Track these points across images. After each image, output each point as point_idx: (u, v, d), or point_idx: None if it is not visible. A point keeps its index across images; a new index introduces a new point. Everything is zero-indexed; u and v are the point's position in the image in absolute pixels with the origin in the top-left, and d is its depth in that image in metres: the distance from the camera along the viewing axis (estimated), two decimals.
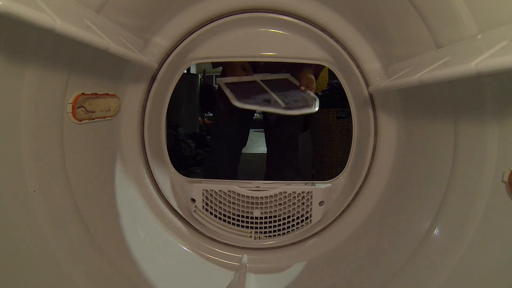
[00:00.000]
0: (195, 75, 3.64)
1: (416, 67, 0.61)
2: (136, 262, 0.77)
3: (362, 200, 0.92)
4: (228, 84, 1.19)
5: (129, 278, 0.72)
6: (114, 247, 0.73)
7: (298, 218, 0.94)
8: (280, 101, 1.11)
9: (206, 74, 3.72)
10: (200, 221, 0.94)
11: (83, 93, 0.65)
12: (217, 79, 1.21)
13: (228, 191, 0.93)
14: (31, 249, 0.53)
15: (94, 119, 0.71)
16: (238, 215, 0.95)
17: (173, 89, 0.98)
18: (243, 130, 1.49)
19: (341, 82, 0.95)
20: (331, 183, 0.99)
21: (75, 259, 0.60)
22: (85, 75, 0.66)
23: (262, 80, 1.24)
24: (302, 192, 0.93)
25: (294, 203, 0.94)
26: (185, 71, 1.10)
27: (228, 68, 1.22)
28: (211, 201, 0.94)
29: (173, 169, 1.01)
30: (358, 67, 0.85)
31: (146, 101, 0.89)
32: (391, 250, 0.76)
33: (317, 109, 1.08)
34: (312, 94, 1.15)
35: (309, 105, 1.10)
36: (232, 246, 0.97)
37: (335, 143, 1.89)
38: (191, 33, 0.85)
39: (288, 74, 1.27)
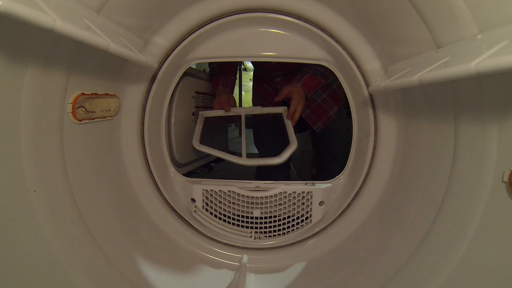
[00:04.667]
0: None
1: (416, 67, 0.61)
2: (136, 262, 0.77)
3: (362, 200, 0.92)
4: (208, 119, 1.20)
5: (129, 278, 0.72)
6: (114, 247, 0.73)
7: (298, 218, 0.94)
8: (244, 148, 1.05)
9: None
10: (200, 221, 0.94)
11: (83, 93, 0.65)
12: (200, 112, 1.21)
13: (228, 191, 0.93)
14: (31, 249, 0.53)
15: (94, 119, 0.71)
16: (238, 215, 0.95)
17: (173, 89, 0.98)
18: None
19: (341, 82, 0.95)
20: (331, 183, 0.99)
21: (75, 259, 0.60)
22: (85, 75, 0.66)
23: (248, 115, 1.20)
24: (302, 192, 0.93)
25: (294, 203, 0.94)
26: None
27: (217, 97, 1.23)
28: (211, 201, 0.94)
29: (173, 169, 1.01)
30: (358, 67, 0.85)
31: (146, 101, 0.89)
32: (391, 250, 0.76)
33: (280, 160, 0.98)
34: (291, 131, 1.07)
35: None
36: (232, 246, 0.97)
37: None
38: (191, 33, 0.85)
39: (284, 108, 1.19)
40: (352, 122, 0.98)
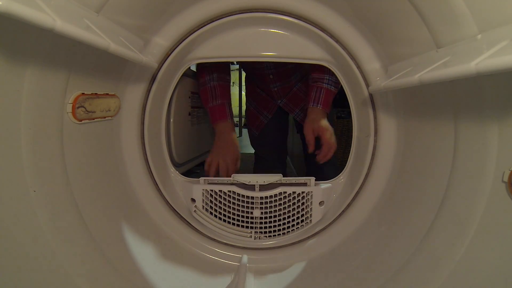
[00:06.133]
0: None
1: (416, 67, 0.61)
2: (136, 262, 0.77)
3: (362, 200, 0.92)
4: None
5: (129, 278, 0.72)
6: (114, 247, 0.73)
7: (298, 218, 0.94)
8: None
9: None
10: (200, 221, 0.94)
11: (83, 93, 0.65)
12: (201, 178, 0.94)
13: (228, 191, 0.93)
14: (31, 249, 0.53)
15: (94, 119, 0.71)
16: (238, 215, 0.95)
17: (173, 89, 0.98)
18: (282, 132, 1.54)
19: (341, 82, 0.95)
20: (331, 183, 0.99)
21: (75, 259, 0.60)
22: (85, 75, 0.66)
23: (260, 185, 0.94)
24: (302, 192, 0.93)
25: (294, 203, 0.94)
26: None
27: (221, 152, 1.03)
28: (211, 201, 0.94)
29: (173, 169, 1.01)
30: (358, 67, 0.85)
31: (146, 101, 0.89)
32: (390, 250, 0.76)
33: None
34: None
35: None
36: (232, 246, 0.97)
37: None
38: (191, 33, 0.85)
39: (311, 179, 0.95)
40: (352, 122, 0.98)
